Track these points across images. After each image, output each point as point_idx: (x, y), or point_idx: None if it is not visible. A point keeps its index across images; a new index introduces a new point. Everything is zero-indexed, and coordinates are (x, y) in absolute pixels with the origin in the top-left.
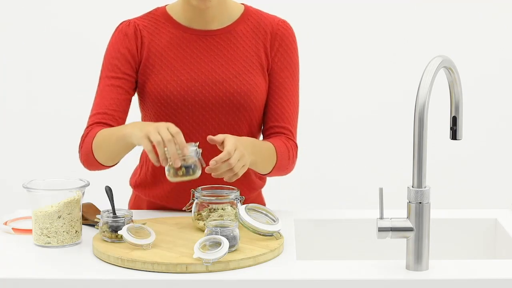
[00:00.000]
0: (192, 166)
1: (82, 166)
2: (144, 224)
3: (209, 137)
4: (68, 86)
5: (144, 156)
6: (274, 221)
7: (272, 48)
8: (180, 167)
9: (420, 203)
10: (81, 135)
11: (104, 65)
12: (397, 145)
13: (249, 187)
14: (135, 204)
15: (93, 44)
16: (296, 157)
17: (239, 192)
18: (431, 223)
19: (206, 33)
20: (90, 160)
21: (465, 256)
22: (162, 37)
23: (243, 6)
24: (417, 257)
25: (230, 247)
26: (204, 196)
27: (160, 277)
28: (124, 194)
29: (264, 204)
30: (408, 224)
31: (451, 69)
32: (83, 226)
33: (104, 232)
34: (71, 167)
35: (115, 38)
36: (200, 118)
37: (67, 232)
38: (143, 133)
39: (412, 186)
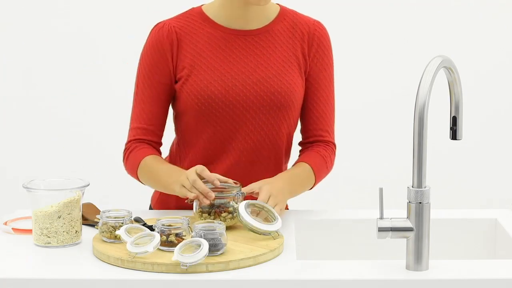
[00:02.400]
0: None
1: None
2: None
3: (243, 189)
4: (68, 86)
5: (173, 149)
6: (274, 219)
7: (310, 50)
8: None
9: (420, 203)
10: (124, 145)
11: (140, 74)
12: (397, 145)
13: None
14: (159, 201)
15: (95, 44)
16: (334, 156)
17: (240, 187)
18: (431, 223)
19: (245, 32)
20: (133, 176)
21: (465, 256)
22: (200, 38)
23: (279, 6)
24: (417, 257)
25: (215, 250)
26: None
27: (160, 277)
28: (113, 185)
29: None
30: (408, 224)
31: (451, 69)
32: (83, 226)
33: (103, 232)
34: (71, 167)
35: (149, 44)
36: (240, 117)
37: (67, 232)
38: (178, 185)
39: (412, 186)
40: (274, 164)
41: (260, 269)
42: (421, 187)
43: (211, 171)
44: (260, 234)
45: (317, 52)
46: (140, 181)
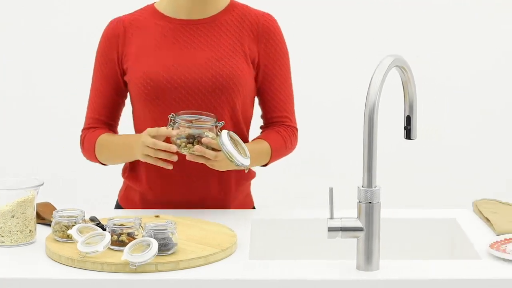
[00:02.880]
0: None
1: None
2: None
3: (205, 139)
4: (68, 86)
5: None
6: (246, 156)
7: (260, 41)
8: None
9: (370, 203)
10: (80, 133)
11: (94, 66)
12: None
13: (242, 177)
14: (124, 197)
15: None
16: (296, 139)
17: (216, 118)
18: (390, 223)
19: (191, 22)
20: (92, 159)
21: (423, 256)
22: (147, 29)
23: (229, 0)
24: (367, 257)
25: (165, 250)
26: (184, 121)
27: (109, 277)
28: (113, 185)
29: (252, 204)
30: (358, 224)
31: (404, 68)
32: (40, 225)
33: (56, 231)
34: (72, 166)
35: (100, 40)
36: (184, 101)
37: (20, 232)
38: (141, 156)
39: (362, 186)
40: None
41: (210, 268)
42: (371, 187)
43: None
44: (235, 164)
45: (268, 42)
46: (100, 162)
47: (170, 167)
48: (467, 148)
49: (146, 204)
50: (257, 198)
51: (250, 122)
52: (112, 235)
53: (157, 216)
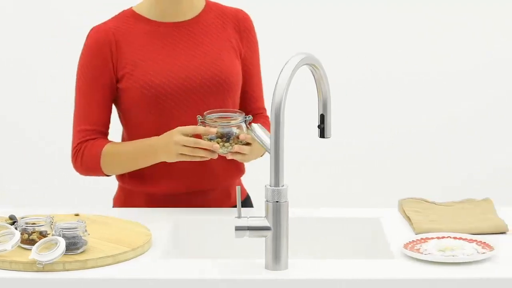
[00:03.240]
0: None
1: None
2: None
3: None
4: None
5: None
6: None
7: (242, 37)
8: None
9: (277, 202)
10: (72, 149)
11: (80, 77)
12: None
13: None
14: (122, 201)
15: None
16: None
17: (244, 114)
18: (311, 221)
19: (177, 24)
20: (92, 172)
21: (341, 256)
22: (136, 35)
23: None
24: (275, 257)
25: (75, 249)
26: (213, 120)
27: (17, 276)
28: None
29: (245, 193)
30: (266, 223)
31: (315, 66)
32: None
33: None
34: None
35: (87, 48)
36: (185, 103)
37: None
38: (174, 155)
39: (270, 185)
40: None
41: (118, 268)
42: (279, 186)
43: (163, 160)
44: (269, 151)
45: (248, 38)
46: (103, 174)
47: (207, 159)
48: (403, 147)
49: (152, 202)
50: None
51: None
52: (23, 234)
53: (76, 215)
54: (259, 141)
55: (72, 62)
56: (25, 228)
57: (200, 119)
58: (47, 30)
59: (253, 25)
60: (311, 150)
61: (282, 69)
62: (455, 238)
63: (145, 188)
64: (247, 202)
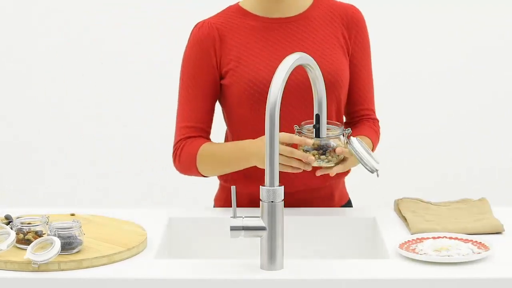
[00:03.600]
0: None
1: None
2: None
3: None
4: None
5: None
6: (376, 160)
7: (350, 33)
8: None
9: (272, 202)
10: (173, 146)
11: (184, 74)
12: None
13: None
14: (228, 201)
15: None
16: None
17: (343, 125)
18: (307, 222)
19: (285, 20)
20: (190, 172)
21: (338, 256)
22: (241, 30)
23: None
24: (271, 257)
25: (70, 248)
26: (309, 131)
27: (13, 276)
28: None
29: (347, 196)
30: (261, 223)
31: (310, 66)
32: None
33: None
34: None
35: (190, 44)
36: (290, 102)
37: None
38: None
39: (265, 185)
40: None
41: (113, 267)
42: (274, 186)
43: (255, 165)
44: (369, 170)
45: (358, 34)
46: (198, 174)
47: (300, 170)
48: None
49: (256, 202)
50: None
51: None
52: (18, 234)
53: (72, 215)
54: (357, 157)
55: (70, 62)
56: (21, 228)
57: (297, 129)
58: (47, 30)
59: (364, 23)
60: None
61: (277, 69)
62: (450, 238)
63: (250, 188)
64: (348, 206)
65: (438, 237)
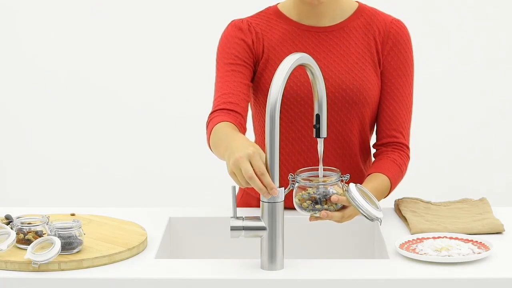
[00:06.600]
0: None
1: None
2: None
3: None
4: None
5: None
6: (377, 207)
7: (384, 47)
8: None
9: (272, 202)
10: (208, 115)
11: (220, 56)
12: None
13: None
14: (242, 201)
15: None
16: (408, 161)
17: (340, 171)
18: (308, 221)
19: (318, 29)
20: (210, 147)
21: (339, 256)
22: (274, 33)
23: (357, 3)
24: (271, 257)
25: (70, 248)
26: (306, 181)
27: (13, 275)
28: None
29: None
30: (261, 223)
31: (310, 66)
32: None
33: None
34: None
35: (228, 31)
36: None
37: None
38: (229, 169)
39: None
40: (348, 165)
41: (114, 267)
42: None
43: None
44: (368, 219)
45: (392, 49)
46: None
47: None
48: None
49: None
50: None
51: (372, 133)
52: (18, 234)
53: (72, 214)
54: (354, 205)
55: (71, 63)
56: (21, 228)
57: (291, 178)
58: (48, 30)
59: (405, 38)
60: None
61: (277, 70)
62: (451, 238)
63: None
64: None
65: (438, 237)
